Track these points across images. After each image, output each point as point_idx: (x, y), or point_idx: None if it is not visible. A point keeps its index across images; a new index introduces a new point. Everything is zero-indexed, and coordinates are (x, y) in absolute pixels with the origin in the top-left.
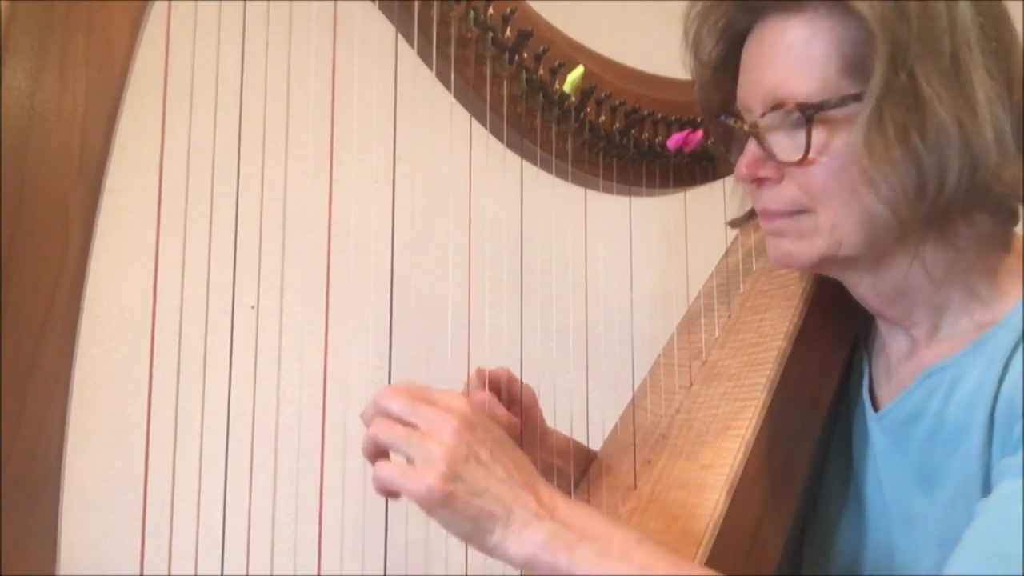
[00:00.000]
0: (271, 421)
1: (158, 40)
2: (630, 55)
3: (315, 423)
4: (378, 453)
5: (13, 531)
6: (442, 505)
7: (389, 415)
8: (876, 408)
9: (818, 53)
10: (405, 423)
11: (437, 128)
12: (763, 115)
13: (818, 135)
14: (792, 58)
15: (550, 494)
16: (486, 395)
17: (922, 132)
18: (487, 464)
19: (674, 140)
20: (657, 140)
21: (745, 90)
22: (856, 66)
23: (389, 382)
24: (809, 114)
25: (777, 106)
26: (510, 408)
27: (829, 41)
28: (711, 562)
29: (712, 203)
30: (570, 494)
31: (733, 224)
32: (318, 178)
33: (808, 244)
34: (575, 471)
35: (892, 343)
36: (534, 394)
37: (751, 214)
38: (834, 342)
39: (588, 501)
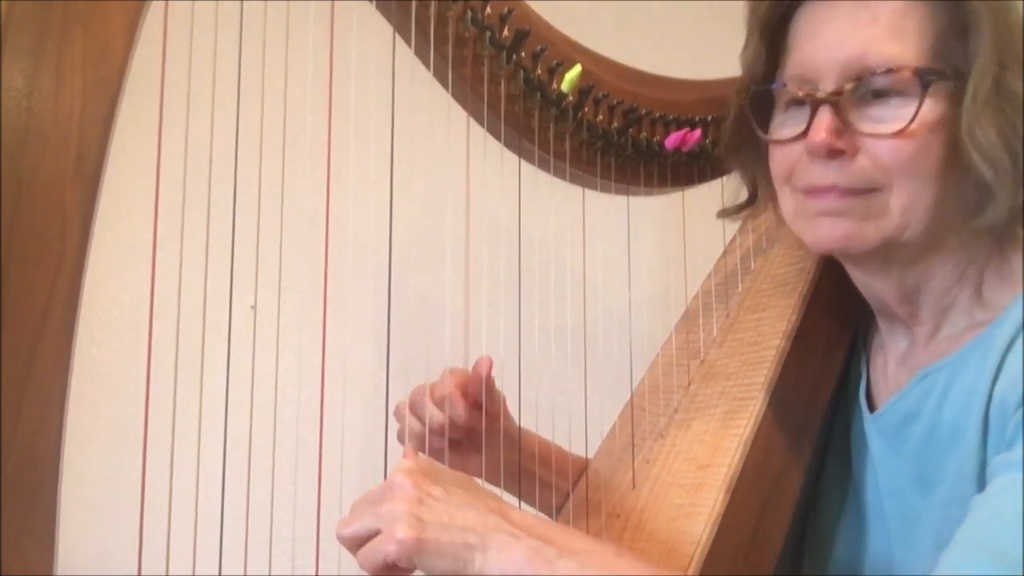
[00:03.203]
0: (269, 421)
1: (155, 40)
2: (628, 54)
3: (314, 423)
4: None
5: (11, 531)
6: (418, 552)
7: (353, 536)
8: (872, 409)
9: (913, 26)
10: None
11: (435, 128)
12: (858, 80)
13: (923, 107)
14: (884, 27)
15: (521, 515)
16: (449, 389)
17: (1020, 120)
18: (444, 499)
19: (672, 139)
20: (655, 139)
21: (813, 57)
22: (947, 45)
23: (387, 382)
24: (927, 81)
25: (876, 72)
26: (489, 405)
27: (924, 15)
28: (710, 561)
29: (710, 202)
30: (550, 498)
31: (722, 214)
32: (316, 178)
33: (874, 225)
34: (557, 477)
35: (891, 343)
36: (502, 398)
37: (742, 206)
38: (833, 342)
39: (587, 501)
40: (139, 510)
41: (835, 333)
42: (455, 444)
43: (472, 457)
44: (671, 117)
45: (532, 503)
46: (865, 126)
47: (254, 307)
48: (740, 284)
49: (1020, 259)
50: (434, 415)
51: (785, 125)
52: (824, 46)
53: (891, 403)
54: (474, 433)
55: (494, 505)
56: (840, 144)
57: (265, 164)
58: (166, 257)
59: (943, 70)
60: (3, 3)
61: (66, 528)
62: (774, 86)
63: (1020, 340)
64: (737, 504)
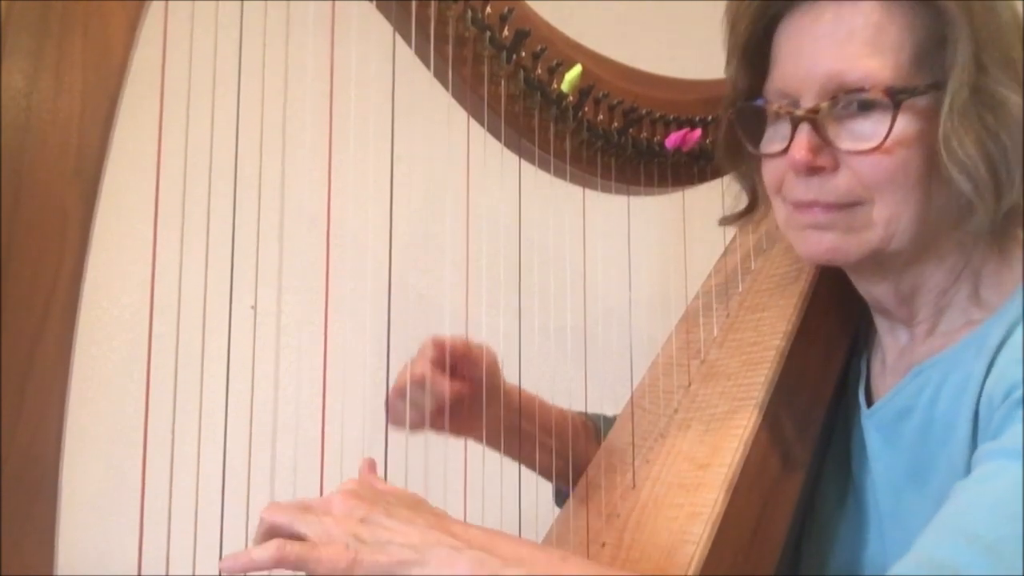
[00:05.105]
0: (269, 421)
1: (155, 40)
2: (628, 54)
3: (314, 423)
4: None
5: (11, 531)
6: (351, 570)
7: (276, 528)
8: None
9: (891, 39)
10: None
11: (435, 128)
12: (833, 99)
13: (897, 123)
14: (861, 42)
15: (464, 528)
16: (427, 366)
17: (1003, 126)
18: (383, 518)
19: (672, 139)
20: (655, 139)
21: (793, 73)
22: (927, 55)
23: (387, 382)
24: (899, 99)
25: (851, 90)
26: (473, 372)
27: (903, 27)
28: (710, 561)
29: (711, 202)
30: (533, 453)
31: (724, 222)
32: (316, 178)
33: (858, 238)
34: (541, 433)
35: (889, 340)
36: (495, 357)
37: (743, 213)
38: (833, 341)
39: (587, 501)
40: (139, 510)
41: (835, 333)
42: (452, 414)
43: (470, 423)
44: (671, 117)
45: (532, 466)
46: (844, 142)
47: (254, 307)
48: (740, 284)
49: (1019, 259)
50: (416, 398)
51: (773, 139)
52: (803, 63)
53: (887, 398)
54: (465, 400)
55: (435, 521)
56: (820, 161)
57: (265, 164)
58: (166, 257)
59: (916, 86)
60: (3, 3)
61: (66, 528)
62: (757, 102)
63: (1013, 337)
64: (737, 504)
